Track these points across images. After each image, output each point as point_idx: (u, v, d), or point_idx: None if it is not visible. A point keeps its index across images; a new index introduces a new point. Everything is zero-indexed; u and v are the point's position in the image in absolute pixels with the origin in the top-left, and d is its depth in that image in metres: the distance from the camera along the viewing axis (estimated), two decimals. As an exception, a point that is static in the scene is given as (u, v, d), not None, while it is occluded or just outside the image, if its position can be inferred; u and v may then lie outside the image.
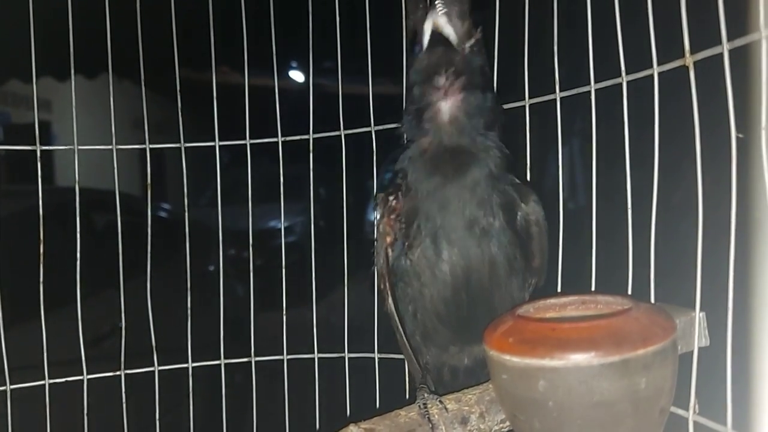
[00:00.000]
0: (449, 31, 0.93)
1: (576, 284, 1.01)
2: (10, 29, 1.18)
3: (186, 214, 1.35)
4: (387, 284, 1.04)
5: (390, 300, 1.04)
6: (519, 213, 0.98)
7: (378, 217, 1.03)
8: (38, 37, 1.22)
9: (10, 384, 1.21)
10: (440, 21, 0.92)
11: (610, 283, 0.93)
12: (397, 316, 1.04)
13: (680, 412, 0.84)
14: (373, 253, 1.06)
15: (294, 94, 1.42)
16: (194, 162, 1.34)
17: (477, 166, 0.93)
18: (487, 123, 0.95)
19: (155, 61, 1.30)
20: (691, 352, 0.83)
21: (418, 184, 0.96)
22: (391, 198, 1.00)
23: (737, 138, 0.73)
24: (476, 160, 0.93)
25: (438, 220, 0.94)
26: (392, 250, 1.01)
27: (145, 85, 1.31)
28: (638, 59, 0.90)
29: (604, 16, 0.93)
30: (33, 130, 1.23)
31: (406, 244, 0.98)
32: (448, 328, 0.99)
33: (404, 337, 1.06)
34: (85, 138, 1.28)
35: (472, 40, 0.94)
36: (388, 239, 1.01)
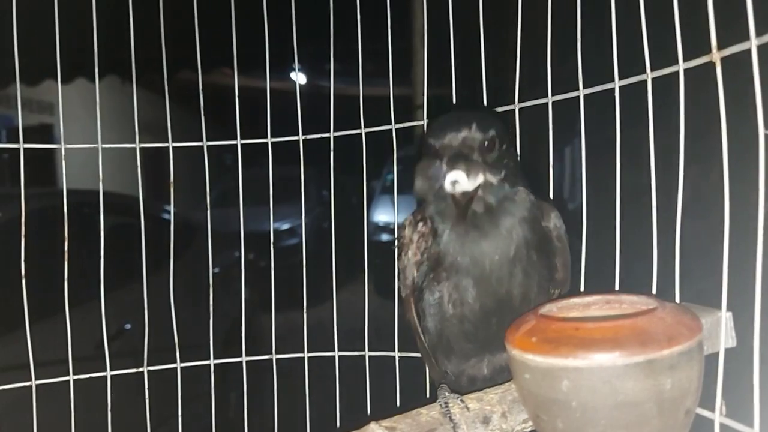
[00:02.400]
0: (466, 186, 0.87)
1: (600, 284, 1.00)
2: (19, 32, 1.19)
3: (208, 213, 1.36)
4: (411, 298, 1.03)
5: (413, 313, 1.04)
6: (541, 230, 0.97)
7: (404, 238, 1.02)
8: (47, 40, 1.23)
9: (36, 380, 1.23)
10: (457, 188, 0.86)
11: (635, 283, 0.92)
12: (420, 327, 1.04)
13: (706, 413, 0.82)
14: (397, 270, 1.05)
15: (313, 94, 1.43)
16: (200, 162, 1.35)
17: (509, 216, 0.92)
18: (513, 182, 0.93)
19: (174, 63, 1.31)
20: (718, 353, 0.82)
21: (446, 234, 0.94)
22: (420, 223, 1.00)
23: (765, 135, 0.72)
24: (507, 211, 0.92)
25: (471, 270, 0.93)
26: (417, 271, 1.01)
27: (168, 85, 1.33)
28: (664, 55, 0.89)
29: (628, 12, 0.92)
30: (37, 132, 1.25)
31: (432, 275, 0.97)
32: (473, 344, 0.99)
33: (425, 346, 1.06)
34: (83, 139, 1.30)
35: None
36: (415, 259, 1.01)
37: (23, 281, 1.20)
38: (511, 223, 0.92)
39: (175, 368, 1.33)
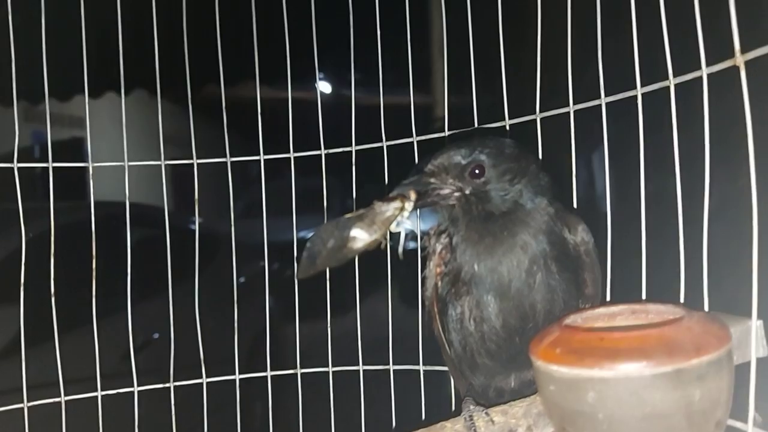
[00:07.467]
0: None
1: (625, 294, 0.98)
2: (48, 48, 1.21)
3: (232, 228, 1.36)
4: (435, 310, 1.03)
5: (437, 324, 1.04)
6: (569, 244, 0.96)
7: (429, 248, 1.02)
8: (77, 56, 1.25)
9: (65, 395, 1.23)
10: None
11: (661, 292, 0.90)
12: (445, 340, 1.03)
13: (738, 425, 0.80)
14: (422, 280, 1.05)
15: (334, 106, 1.44)
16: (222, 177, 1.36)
17: (524, 227, 0.92)
18: (533, 191, 0.94)
19: (198, 78, 1.32)
20: (749, 363, 0.80)
21: (464, 246, 0.95)
22: (442, 234, 1.00)
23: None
24: (522, 222, 0.92)
25: (488, 282, 0.92)
26: (441, 282, 1.00)
27: (192, 99, 1.34)
28: (686, 61, 0.87)
29: (649, 18, 0.91)
30: (68, 148, 1.27)
31: (454, 290, 0.97)
32: (498, 363, 0.98)
33: (450, 360, 1.05)
34: (112, 153, 1.32)
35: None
36: (438, 270, 1.01)
37: (53, 298, 1.21)
38: (525, 232, 0.92)
39: (201, 383, 1.33)
